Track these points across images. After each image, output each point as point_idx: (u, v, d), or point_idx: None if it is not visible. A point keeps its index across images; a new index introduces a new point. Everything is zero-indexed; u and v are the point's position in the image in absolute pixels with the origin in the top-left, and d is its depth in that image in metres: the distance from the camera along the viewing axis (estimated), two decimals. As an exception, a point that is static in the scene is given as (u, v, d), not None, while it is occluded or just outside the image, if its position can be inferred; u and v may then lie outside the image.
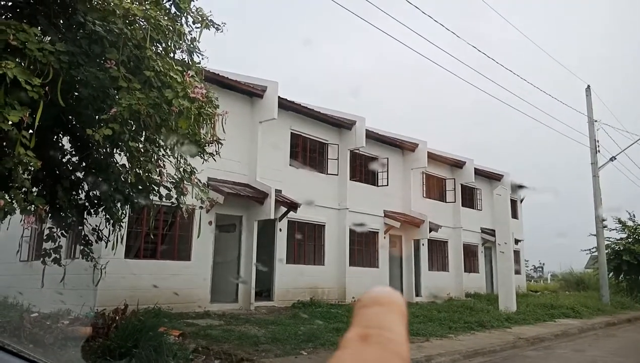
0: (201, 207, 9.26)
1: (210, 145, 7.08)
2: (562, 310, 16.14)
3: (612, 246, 23.92)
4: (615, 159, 21.41)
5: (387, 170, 19.28)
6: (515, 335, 11.33)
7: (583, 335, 12.86)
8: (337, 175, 17.46)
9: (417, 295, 19.37)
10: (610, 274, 22.89)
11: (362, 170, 18.96)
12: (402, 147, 20.25)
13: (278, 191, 14.44)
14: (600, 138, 21.65)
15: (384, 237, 18.94)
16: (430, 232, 19.56)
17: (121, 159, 7.18)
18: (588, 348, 10.83)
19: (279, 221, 15.05)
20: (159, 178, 7.04)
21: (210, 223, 13.27)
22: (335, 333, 9.47)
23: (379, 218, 18.74)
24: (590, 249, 24.68)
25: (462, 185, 23.13)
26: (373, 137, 18.45)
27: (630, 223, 24.87)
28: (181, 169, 7.17)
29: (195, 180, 7.40)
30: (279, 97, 14.75)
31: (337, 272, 16.68)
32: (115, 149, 6.91)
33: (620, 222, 24.91)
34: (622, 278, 24.29)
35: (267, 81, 14.82)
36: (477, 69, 21.09)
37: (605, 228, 22.56)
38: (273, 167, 15.05)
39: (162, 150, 7.00)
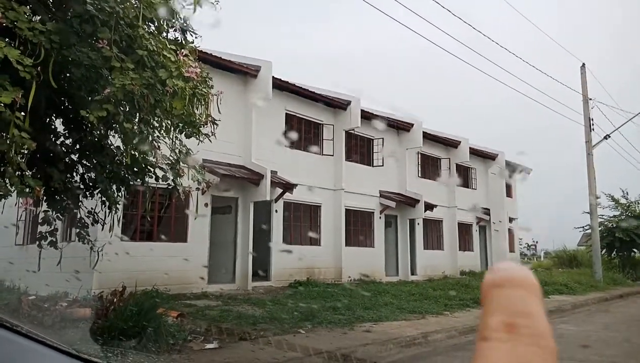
0: (197, 189, 9.23)
1: (206, 126, 7.02)
2: (555, 287, 16.35)
3: (606, 223, 24.18)
4: (609, 137, 21.49)
5: (383, 150, 19.26)
6: (510, 311, 11.44)
7: (576, 311, 13.06)
8: (333, 155, 17.43)
9: (413, 274, 19.55)
10: (603, 251, 23.17)
11: (358, 150, 18.93)
12: (398, 127, 20.19)
13: (273, 172, 14.41)
14: (594, 116, 21.70)
15: (380, 217, 19.01)
16: (425, 211, 19.65)
17: (116, 140, 7.12)
18: (582, 323, 11.00)
19: (275, 202, 15.05)
20: (154, 159, 6.99)
21: (206, 205, 13.25)
22: (332, 312, 9.56)
23: (375, 198, 18.79)
24: (583, 227, 24.96)
25: (457, 164, 23.18)
26: (368, 117, 18.37)
27: (623, 200, 25.12)
28: (177, 150, 7.12)
29: (192, 161, 7.35)
30: (273, 77, 14.62)
31: (334, 252, 16.77)
32: (109, 131, 6.83)
33: (613, 199, 25.16)
34: (615, 255, 24.61)
35: (261, 61, 14.67)
36: (473, 47, 20.94)
37: (599, 206, 22.74)
38: (268, 148, 14.99)
39: (157, 131, 6.94)
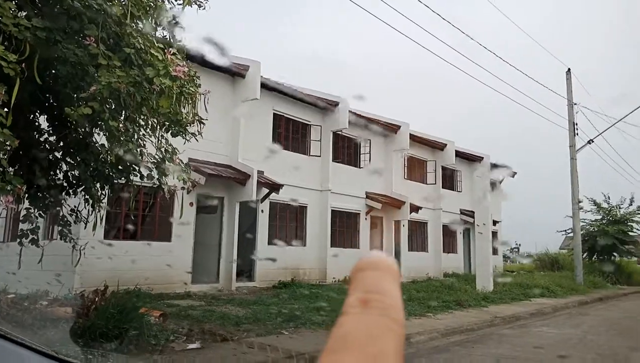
0: (183, 188, 9.17)
1: (192, 125, 6.98)
2: (537, 289, 16.55)
3: (587, 227, 24.54)
4: (592, 141, 21.82)
5: (370, 152, 19.34)
6: (492, 313, 11.60)
7: (557, 313, 13.24)
8: (320, 156, 17.45)
9: (397, 275, 19.64)
10: (584, 255, 23.51)
11: (345, 151, 18.98)
12: (385, 128, 20.28)
13: (260, 172, 14.38)
14: (579, 121, 22.02)
15: (365, 219, 19.08)
16: (410, 213, 19.77)
17: (100, 138, 7.04)
18: (562, 326, 11.16)
19: (261, 202, 15.02)
20: (139, 158, 6.94)
21: (191, 204, 13.17)
22: (317, 313, 9.56)
23: (361, 199, 18.85)
24: (565, 230, 25.33)
25: (442, 166, 23.36)
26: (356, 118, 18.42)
27: (605, 205, 25.52)
28: (162, 149, 7.07)
29: (177, 160, 7.31)
30: (261, 77, 14.59)
31: (319, 253, 16.79)
32: (94, 128, 6.76)
33: (595, 204, 25.55)
34: (596, 259, 25.00)
35: (249, 60, 14.63)
36: (460, 50, 21.10)
37: (581, 210, 23.08)
38: (255, 148, 14.95)
39: (142, 129, 6.88)
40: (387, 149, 20.47)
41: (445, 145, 23.03)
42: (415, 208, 20.02)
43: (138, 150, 6.91)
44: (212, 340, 7.31)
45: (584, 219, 24.42)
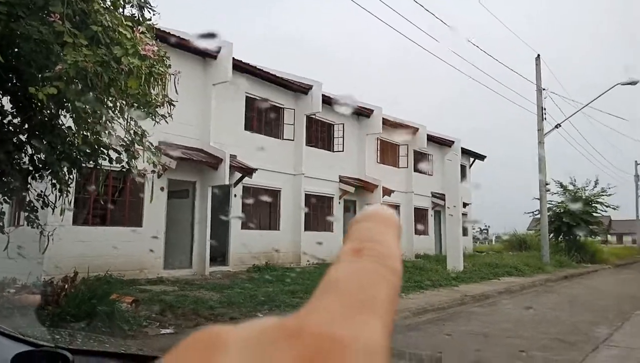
0: (153, 171, 9.02)
1: (162, 106, 6.84)
2: (505, 269, 17.00)
3: (554, 209, 25.25)
4: (560, 126, 22.33)
5: (343, 135, 19.37)
6: (462, 292, 11.89)
7: (525, 291, 13.65)
8: (293, 140, 17.39)
9: (370, 257, 19.86)
10: (551, 235, 24.21)
11: (318, 135, 18.95)
12: (358, 113, 20.31)
13: (233, 156, 14.25)
14: (547, 106, 22.49)
15: (339, 202, 19.18)
16: (383, 196, 19.95)
17: (67, 120, 6.84)
18: (529, 303, 11.53)
19: (234, 187, 14.91)
20: (108, 140, 6.78)
21: (162, 188, 12.99)
22: (291, 296, 9.62)
23: (334, 183, 18.92)
24: (533, 212, 25.98)
25: (415, 151, 23.59)
26: (329, 102, 18.37)
27: (571, 187, 26.28)
28: (131, 131, 6.92)
29: (147, 143, 7.17)
30: (233, 58, 14.37)
31: (293, 237, 16.82)
32: (60, 110, 6.56)
33: (562, 186, 26.28)
34: (562, 239, 25.79)
35: (221, 42, 14.37)
36: (436, 39, 21.21)
37: (548, 192, 23.70)
38: (227, 131, 14.78)
39: (111, 111, 6.71)
40: (360, 132, 20.54)
41: (418, 129, 23.24)
42: (388, 192, 20.21)
43: (106, 132, 6.75)
44: (185, 325, 7.28)
45: (551, 201, 25.11)
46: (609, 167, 47.79)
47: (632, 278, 19.02)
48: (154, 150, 7.55)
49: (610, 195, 26.06)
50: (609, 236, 47.97)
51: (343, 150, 19.35)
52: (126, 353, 1.67)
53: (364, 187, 19.58)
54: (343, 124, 19.44)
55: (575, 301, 11.87)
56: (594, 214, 25.86)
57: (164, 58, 6.42)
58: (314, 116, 18.09)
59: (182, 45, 13.44)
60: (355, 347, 0.25)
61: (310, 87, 17.40)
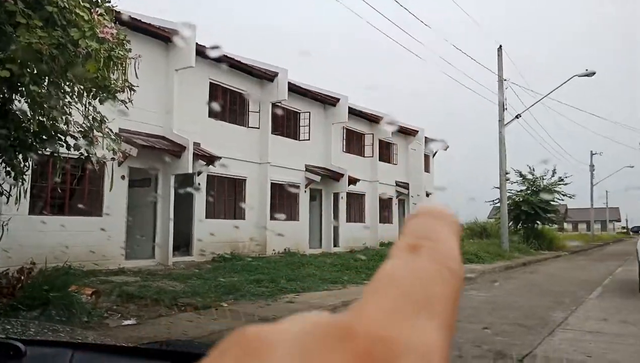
0: (113, 159, 8.76)
1: (122, 92, 6.63)
2: (466, 256, 17.41)
3: (513, 197, 25.98)
4: (520, 116, 22.90)
5: (309, 124, 19.31)
6: (426, 280, 12.08)
7: (484, 278, 14.04)
8: (259, 128, 17.22)
9: (335, 245, 20.01)
10: (510, 223, 24.93)
11: (284, 123, 18.83)
12: (324, 101, 20.28)
13: (196, 144, 14.00)
14: (508, 97, 22.98)
15: (305, 191, 19.17)
16: (349, 185, 20.07)
17: (22, 105, 6.54)
18: (489, 289, 11.86)
19: (198, 175, 14.68)
20: (65, 126, 6.52)
21: (123, 177, 12.66)
22: (256, 285, 9.58)
23: (300, 172, 18.88)
24: (493, 200, 26.64)
25: (380, 140, 23.77)
26: (295, 90, 18.26)
27: (529, 176, 27.08)
28: (90, 117, 6.68)
29: (107, 129, 6.94)
30: (197, 43, 14.05)
31: (258, 226, 16.72)
32: (14, 94, 6.26)
33: (521, 175, 27.03)
34: (520, 227, 26.61)
35: (184, 25, 14.01)
36: (396, 23, 21.32)
37: (508, 181, 24.33)
38: (191, 118, 14.50)
39: (68, 96, 6.45)
40: (327, 121, 20.53)
41: (383, 118, 23.40)
42: (353, 181, 20.33)
43: (63, 117, 6.50)
44: (148, 315, 7.15)
45: (511, 190, 25.82)
46: (566, 157, 49.51)
47: (587, 264, 19.83)
48: (113, 137, 7.32)
49: (567, 184, 27.03)
50: (565, 224, 49.80)
51: (309, 139, 19.31)
52: (83, 342, 1.61)
53: (330, 176, 19.63)
54: (309, 113, 19.38)
55: (533, 287, 12.28)
56: (552, 203, 26.77)
57: (124, 41, 6.21)
58: (279, 104, 17.95)
59: (144, 29, 13.07)
60: (412, 352, 0.23)
61: (276, 75, 17.23)
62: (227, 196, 16.35)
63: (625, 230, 69.58)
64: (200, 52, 14.35)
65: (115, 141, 7.36)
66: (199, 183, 14.86)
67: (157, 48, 13.83)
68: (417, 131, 26.19)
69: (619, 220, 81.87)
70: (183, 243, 14.47)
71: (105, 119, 7.02)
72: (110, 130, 7.31)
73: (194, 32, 13.87)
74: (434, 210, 0.34)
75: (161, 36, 13.81)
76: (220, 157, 14.42)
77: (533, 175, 27.05)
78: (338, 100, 20.35)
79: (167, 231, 13.54)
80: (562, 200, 27.78)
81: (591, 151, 45.65)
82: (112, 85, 6.33)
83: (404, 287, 0.26)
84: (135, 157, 12.20)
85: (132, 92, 7.00)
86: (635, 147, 28.26)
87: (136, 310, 7.45)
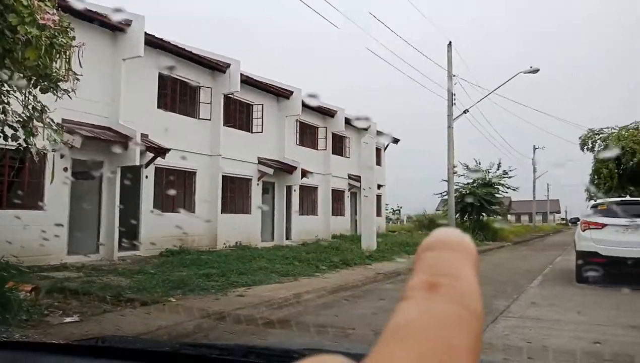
0: (54, 151, 8.40)
1: (65, 81, 6.35)
2: (415, 247, 17.66)
3: (460, 190, 26.83)
4: (467, 111, 23.60)
5: (262, 116, 19.17)
6: (375, 270, 12.36)
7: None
8: (210, 120, 16.94)
9: (288, 238, 20.03)
10: (457, 215, 25.74)
11: (237, 115, 18.60)
12: (278, 93, 20.18)
13: (144, 135, 13.62)
14: (456, 92, 23.63)
15: (257, 184, 19.06)
16: (302, 178, 20.10)
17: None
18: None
19: (145, 168, 14.29)
20: (2, 116, 6.19)
21: (65, 169, 12.16)
22: (205, 279, 9.46)
23: (253, 165, 18.74)
24: (441, 193, 27.43)
25: (333, 133, 23.93)
26: (248, 82, 18.07)
27: (476, 169, 28.01)
28: (30, 107, 6.37)
29: (48, 119, 6.64)
30: (145, 33, 13.63)
31: (209, 219, 16.49)
32: (-56, 81, 5.89)
33: (468, 168, 27.93)
34: (467, 218, 27.52)
35: (131, 14, 13.56)
36: (349, 18, 21.43)
37: (455, 174, 25.07)
38: (138, 109, 14.07)
39: (6, 84, 6.12)
40: (280, 114, 20.44)
41: (336, 111, 23.57)
42: (306, 174, 20.38)
43: (0, 107, 6.16)
44: (92, 312, 6.92)
45: (458, 183, 26.63)
46: (510, 151, 51.49)
47: (528, 254, 20.78)
48: (55, 127, 7.02)
49: (511, 177, 28.17)
50: (509, 216, 51.87)
51: (262, 132, 19.18)
52: (9, 341, 1.55)
53: (283, 169, 19.59)
54: (262, 105, 19.24)
55: (479, 277, 12.75)
56: (496, 195, 27.83)
57: (67, 29, 5.94)
58: (232, 96, 17.72)
59: (88, 17, 12.52)
60: None
61: (228, 66, 16.98)
62: (177, 189, 16.01)
63: (564, 222, 73.23)
64: (150, 42, 13.96)
65: (57, 132, 7.06)
66: (146, 176, 14.47)
67: (103, 37, 13.33)
68: (370, 125, 26.50)
69: (559, 212, 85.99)
70: (129, 237, 14.08)
71: (46, 108, 6.71)
72: (52, 120, 7.00)
73: (142, 22, 13.47)
74: (449, 240, 0.32)
75: (108, 25, 13.31)
76: (169, 149, 14.11)
77: (479, 168, 28.02)
78: (292, 92, 20.31)
79: (112, 225, 13.14)
80: (507, 192, 28.94)
81: (534, 145, 47.66)
82: (55, 74, 6.06)
83: (423, 334, 0.25)
84: (79, 148, 11.74)
85: (76, 81, 6.73)
86: (575, 142, 29.71)
87: (79, 306, 7.19)
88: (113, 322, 6.38)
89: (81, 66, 6.85)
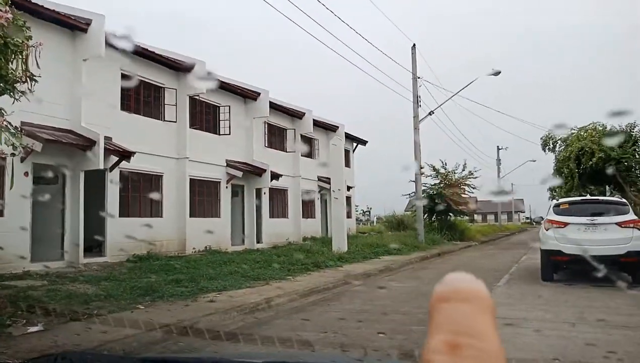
0: (13, 155, 8.07)
1: (22, 82, 6.10)
2: (385, 248, 18.01)
3: (428, 191, 27.17)
4: (433, 113, 23.97)
5: (229, 118, 18.96)
6: (346, 272, 12.38)
7: (402, 269, 14.58)
8: (176, 122, 16.64)
9: (259, 242, 19.86)
10: (425, 215, 26.06)
11: (203, 117, 18.34)
12: (245, 95, 20.00)
13: (108, 138, 13.27)
14: (422, 94, 23.94)
15: (226, 187, 18.83)
16: (271, 180, 19.98)
17: None
18: (406, 279, 12.34)
19: (110, 171, 13.93)
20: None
21: (26, 174, 11.73)
22: (174, 285, 9.27)
23: (221, 167, 18.51)
24: (409, 194, 27.71)
25: (301, 135, 23.89)
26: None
27: (442, 170, 28.43)
28: (-15, 110, 6.10)
29: (5, 122, 6.37)
30: (106, 32, 13.28)
31: (177, 224, 16.20)
32: None
33: (434, 169, 28.31)
34: (435, 219, 27.90)
35: (92, 14, 13.21)
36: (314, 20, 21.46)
37: (422, 175, 25.40)
38: (101, 111, 13.70)
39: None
40: (248, 116, 20.27)
41: (304, 113, 23.54)
42: (275, 176, 20.27)
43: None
44: (57, 321, 6.68)
45: (425, 183, 26.97)
46: (475, 152, 52.56)
47: (495, 253, 21.23)
48: (13, 130, 6.73)
49: (476, 177, 28.71)
50: (475, 215, 52.91)
51: (230, 134, 18.97)
52: None
53: (252, 172, 19.42)
54: (229, 106, 19.03)
55: (445, 276, 12.92)
56: (462, 196, 28.29)
57: (23, 28, 5.71)
58: (197, 97, 17.47)
59: (46, 15, 12.14)
60: None
61: (193, 66, 16.72)
62: (143, 193, 15.66)
63: (529, 221, 75.22)
64: (111, 41, 13.62)
65: (16, 135, 6.78)
66: (111, 180, 14.10)
67: (62, 36, 12.93)
68: (338, 127, 26.62)
69: (523, 211, 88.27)
70: (95, 243, 13.69)
71: (3, 110, 6.44)
72: (10, 123, 6.72)
73: (102, 21, 13.13)
74: (466, 291, 0.30)
75: (67, 24, 12.91)
76: (134, 152, 13.79)
77: (445, 169, 28.44)
78: (259, 94, 20.16)
79: (77, 231, 12.74)
80: (472, 193, 29.46)
81: (498, 146, 48.75)
82: (10, 75, 5.82)
83: None
84: (40, 152, 11.35)
85: (34, 82, 6.48)
86: (537, 143, 30.59)
87: (44, 315, 6.93)
88: (78, 331, 6.17)
89: (39, 67, 6.60)
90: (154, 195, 15.94)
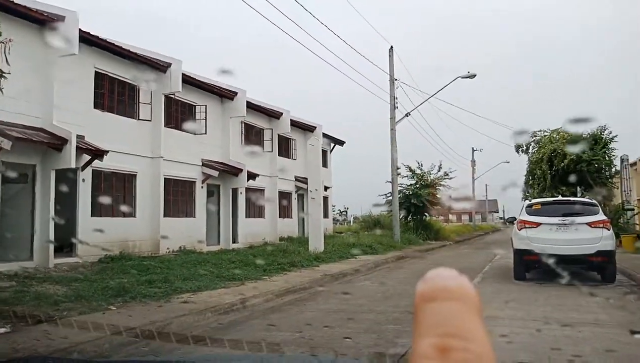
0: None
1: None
2: (361, 247, 18.08)
3: (404, 191, 27.41)
4: (409, 114, 24.19)
5: (206, 118, 18.79)
6: (323, 272, 12.39)
7: (378, 268, 14.68)
8: (151, 121, 16.40)
9: (234, 242, 19.73)
10: (401, 215, 26.28)
11: (179, 116, 18.13)
12: (221, 95, 19.85)
13: (80, 137, 13.01)
14: (399, 96, 24.16)
15: (202, 187, 18.65)
16: (248, 180, 19.86)
17: None
18: (382, 278, 12.42)
19: (82, 170, 13.65)
20: None
21: (-6, 173, 11.41)
22: (148, 286, 9.14)
23: (197, 167, 18.33)
24: (386, 194, 27.91)
25: (279, 135, 23.83)
26: (190, 82, 17.66)
27: (418, 171, 28.73)
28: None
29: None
30: (80, 29, 13.02)
31: (151, 224, 15.97)
32: None
33: (410, 170, 28.59)
34: (410, 219, 28.16)
35: (64, 10, 12.92)
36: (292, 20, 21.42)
37: (399, 176, 25.61)
38: (74, 109, 13.41)
39: None
40: (224, 115, 20.11)
41: (282, 113, 23.49)
42: (252, 176, 20.16)
43: None
44: (24, 323, 6.51)
45: (402, 184, 27.20)
46: (450, 153, 53.24)
47: (469, 253, 21.53)
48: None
49: (451, 178, 29.09)
50: (450, 215, 53.56)
51: (206, 133, 18.79)
52: None
53: (228, 171, 19.28)
54: (205, 106, 18.86)
55: (422, 275, 13.03)
56: (437, 196, 28.63)
57: (-10, 22, 5.55)
58: (173, 96, 17.26)
59: (17, 12, 11.84)
60: None
61: (169, 65, 16.53)
62: (116, 192, 15.39)
63: (502, 221, 76.49)
64: (85, 39, 13.37)
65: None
66: (83, 179, 13.82)
67: (34, 33, 12.61)
68: (315, 127, 26.63)
69: (497, 211, 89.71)
70: (66, 243, 13.39)
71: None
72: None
73: (75, 17, 12.86)
74: (451, 290, 0.29)
75: (39, 20, 12.60)
76: (107, 151, 13.55)
77: (421, 169, 28.75)
78: (236, 93, 20.03)
79: (47, 230, 12.45)
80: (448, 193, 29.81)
81: (472, 147, 49.50)
82: (-23, 70, 5.65)
83: None
84: (10, 150, 11.04)
85: (3, 78, 6.31)
86: (511, 145, 31.13)
87: (10, 317, 6.75)
88: (47, 333, 6.02)
89: (8, 63, 6.45)
90: (128, 195, 15.69)
